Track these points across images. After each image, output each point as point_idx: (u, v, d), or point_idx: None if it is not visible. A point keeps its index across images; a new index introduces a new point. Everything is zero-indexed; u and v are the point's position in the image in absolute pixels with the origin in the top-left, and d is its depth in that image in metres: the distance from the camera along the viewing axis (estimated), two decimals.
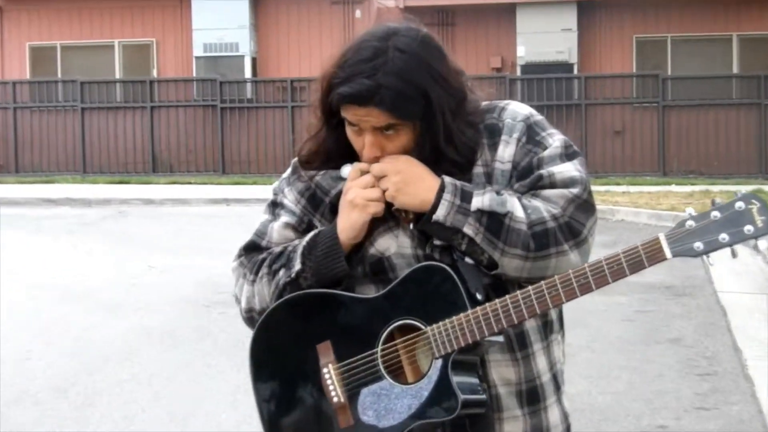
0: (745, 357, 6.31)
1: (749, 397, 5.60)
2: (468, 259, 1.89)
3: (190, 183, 17.60)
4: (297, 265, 1.95)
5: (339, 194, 1.98)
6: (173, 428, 5.24)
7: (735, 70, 17.98)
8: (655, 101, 17.51)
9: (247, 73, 18.70)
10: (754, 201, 1.80)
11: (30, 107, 19.04)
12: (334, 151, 1.97)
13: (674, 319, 7.46)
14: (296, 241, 2.00)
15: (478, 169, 1.94)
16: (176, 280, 8.96)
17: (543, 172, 1.90)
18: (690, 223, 1.81)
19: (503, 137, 1.95)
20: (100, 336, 7.04)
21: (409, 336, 1.88)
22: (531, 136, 1.95)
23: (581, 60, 18.17)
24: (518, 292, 1.84)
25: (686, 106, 17.50)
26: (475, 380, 1.89)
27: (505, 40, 18.35)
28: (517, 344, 1.95)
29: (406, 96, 1.85)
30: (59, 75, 19.35)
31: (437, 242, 1.92)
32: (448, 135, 1.90)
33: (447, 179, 1.89)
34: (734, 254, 1.82)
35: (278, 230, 2.04)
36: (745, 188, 1.91)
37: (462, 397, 1.83)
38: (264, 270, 2.00)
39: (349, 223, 1.92)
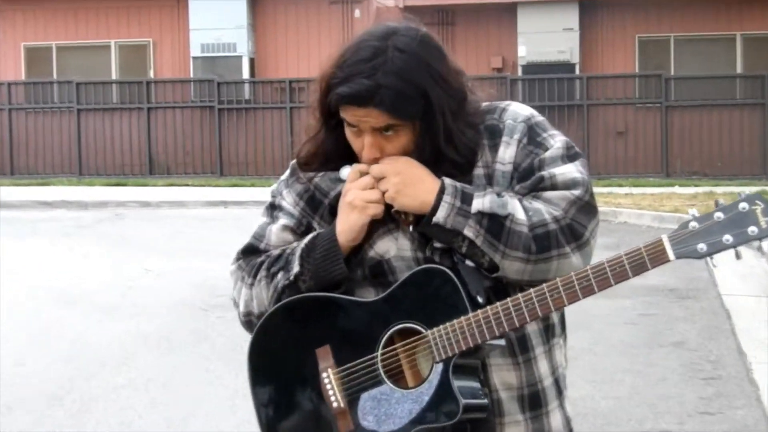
0: (750, 360, 6.26)
1: (754, 401, 5.56)
2: (468, 262, 1.88)
3: (187, 185, 17.58)
4: (295, 268, 1.94)
5: (338, 196, 1.96)
6: None
7: (739, 69, 17.93)
8: (658, 101, 17.48)
9: (245, 74, 18.69)
10: (758, 202, 1.79)
11: (25, 108, 19.01)
12: (333, 152, 1.96)
13: (678, 322, 7.42)
14: (295, 244, 1.99)
15: (479, 171, 1.93)
16: (173, 284, 8.93)
17: (544, 173, 1.89)
18: (693, 224, 1.80)
19: (504, 138, 1.94)
20: (96, 340, 7.01)
21: (409, 340, 1.87)
22: (532, 137, 1.93)
23: (583, 60, 18.13)
24: (519, 294, 1.83)
25: (689, 107, 17.45)
26: (476, 384, 1.88)
27: (505, 39, 18.33)
28: (519, 348, 1.94)
29: (406, 96, 1.84)
30: (55, 76, 19.32)
31: (437, 245, 1.90)
32: (448, 136, 1.89)
33: (447, 181, 1.88)
34: (738, 256, 1.82)
35: (277, 233, 2.02)
36: (748, 189, 1.89)
37: (463, 401, 1.82)
38: (262, 273, 1.99)
39: (348, 225, 1.91)
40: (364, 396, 1.88)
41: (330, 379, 1.90)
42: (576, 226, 1.86)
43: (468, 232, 1.84)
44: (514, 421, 1.94)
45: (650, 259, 1.78)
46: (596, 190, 1.97)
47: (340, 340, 1.91)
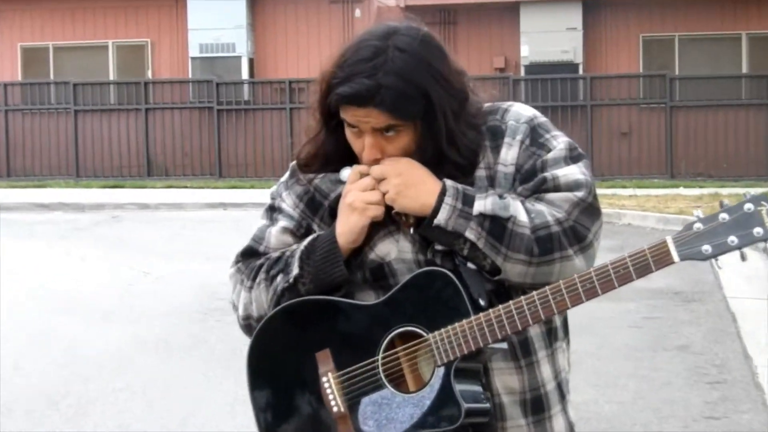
0: (756, 364, 6.21)
1: (760, 405, 5.53)
2: (470, 265, 1.86)
3: (185, 187, 17.56)
4: (295, 270, 1.92)
5: (338, 198, 1.95)
6: None
7: (744, 69, 17.87)
8: (663, 102, 17.46)
9: (244, 74, 18.66)
10: (763, 203, 1.77)
11: (22, 109, 18.99)
12: (334, 153, 1.94)
13: (683, 325, 7.39)
14: (294, 246, 1.97)
15: (481, 172, 1.92)
16: (171, 287, 8.91)
17: (547, 175, 1.88)
18: (698, 225, 1.78)
19: (506, 139, 1.92)
20: (94, 344, 6.98)
21: (410, 343, 1.86)
22: (535, 138, 1.92)
23: (586, 60, 18.07)
24: (522, 297, 1.82)
25: (694, 107, 17.42)
26: (478, 388, 1.86)
27: (508, 39, 18.29)
28: (521, 352, 1.92)
29: (407, 96, 1.83)
30: (52, 76, 19.28)
31: (439, 247, 1.89)
32: (450, 136, 1.87)
33: (448, 182, 1.86)
34: (743, 257, 1.80)
35: (276, 235, 2.01)
36: (754, 190, 1.87)
37: (465, 405, 1.80)
38: (261, 276, 1.97)
39: (348, 227, 1.89)
40: (365, 400, 1.86)
41: (330, 383, 1.88)
42: (579, 228, 1.84)
43: (469, 235, 1.83)
44: (516, 425, 1.92)
45: (654, 261, 1.77)
46: (600, 191, 1.96)
47: (341, 343, 1.89)
